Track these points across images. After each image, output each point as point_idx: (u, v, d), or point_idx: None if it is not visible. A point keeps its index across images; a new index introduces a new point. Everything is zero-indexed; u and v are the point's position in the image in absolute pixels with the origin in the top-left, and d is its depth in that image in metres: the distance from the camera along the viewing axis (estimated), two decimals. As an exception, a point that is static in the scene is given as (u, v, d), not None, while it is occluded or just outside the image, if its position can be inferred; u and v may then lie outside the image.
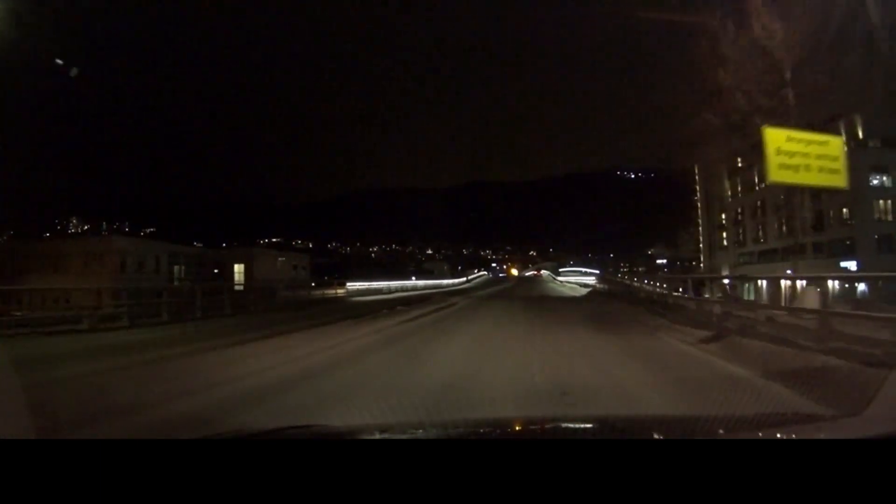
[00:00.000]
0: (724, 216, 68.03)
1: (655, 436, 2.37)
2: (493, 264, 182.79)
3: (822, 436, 2.16)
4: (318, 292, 33.20)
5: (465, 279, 76.51)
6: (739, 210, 63.95)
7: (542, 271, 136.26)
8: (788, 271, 52.49)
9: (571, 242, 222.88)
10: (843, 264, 47.91)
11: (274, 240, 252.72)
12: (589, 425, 2.91)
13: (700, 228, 73.91)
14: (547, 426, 2.87)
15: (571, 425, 3.04)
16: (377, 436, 2.48)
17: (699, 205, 73.87)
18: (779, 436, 2.16)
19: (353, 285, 36.52)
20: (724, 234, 67.58)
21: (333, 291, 33.73)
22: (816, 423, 2.60)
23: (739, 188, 65.82)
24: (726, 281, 64.06)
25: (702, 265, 73.36)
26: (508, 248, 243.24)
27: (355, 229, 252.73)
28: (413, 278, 63.75)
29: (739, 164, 69.70)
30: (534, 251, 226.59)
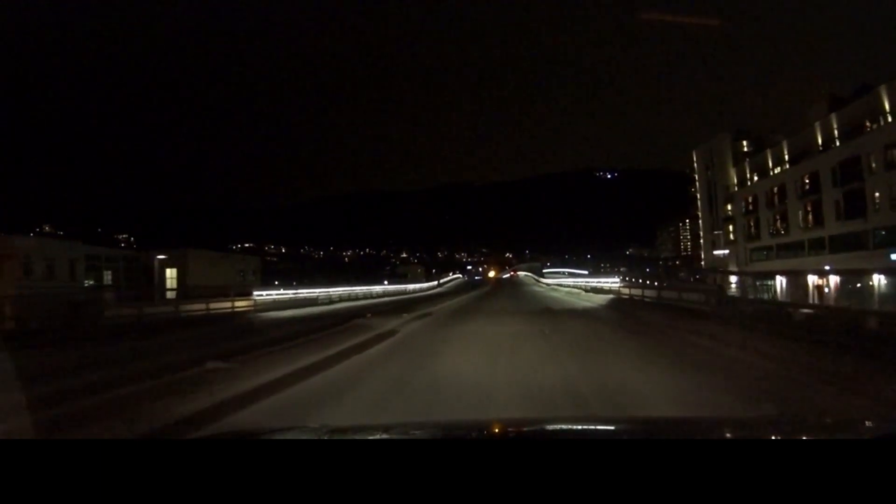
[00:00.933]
0: (730, 207, 57.54)
1: (657, 437, 2.23)
2: (469, 267, 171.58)
3: (823, 436, 2.06)
4: (198, 306, 21.33)
5: (436, 283, 65.51)
6: (750, 199, 53.51)
7: (519, 273, 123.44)
8: (827, 266, 42.20)
9: (547, 244, 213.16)
10: (894, 256, 37.44)
11: (247, 244, 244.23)
12: (593, 426, 2.77)
13: (700, 222, 63.37)
14: (544, 427, 2.72)
15: (572, 426, 2.82)
16: (379, 436, 2.32)
17: (698, 196, 63.60)
18: (780, 437, 2.08)
19: (265, 295, 24.82)
20: (732, 228, 57.08)
21: (229, 305, 22.13)
22: (818, 424, 2.47)
23: (749, 174, 55.39)
24: (734, 279, 52.75)
25: (703, 263, 62.91)
26: (484, 250, 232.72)
27: (329, 234, 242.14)
28: (385, 282, 57.08)
29: (746, 149, 59.83)
30: (510, 253, 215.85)
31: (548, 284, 58.98)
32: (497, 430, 2.55)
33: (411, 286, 52.47)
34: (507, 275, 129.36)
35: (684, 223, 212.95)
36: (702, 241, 62.43)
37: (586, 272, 76.08)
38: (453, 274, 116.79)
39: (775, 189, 49.84)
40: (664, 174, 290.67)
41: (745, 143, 59.17)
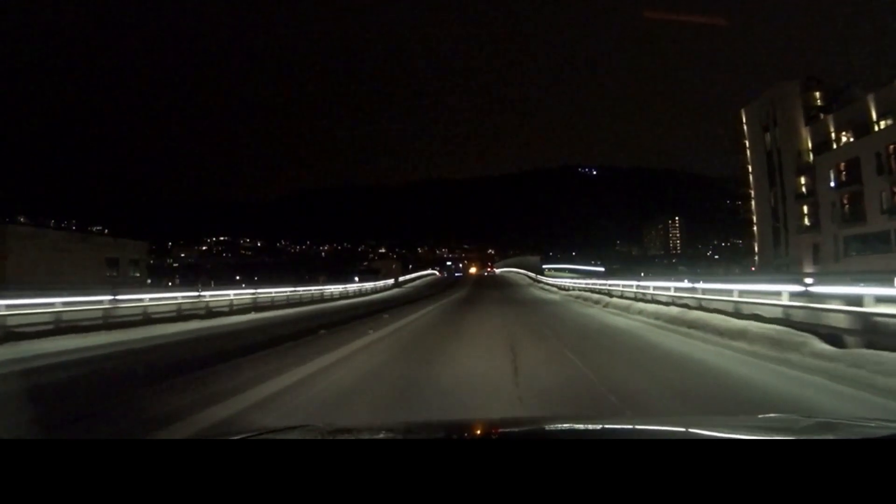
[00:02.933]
0: (803, 181, 39.43)
1: (655, 437, 2.04)
2: (449, 263, 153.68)
3: (821, 436, 1.90)
4: None
5: (391, 282, 46.42)
6: (843, 167, 35.35)
7: (496, 269, 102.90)
8: None
9: (531, 241, 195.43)
10: None
11: (222, 238, 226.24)
12: (597, 426, 2.49)
13: (752, 204, 45.03)
14: (546, 427, 2.46)
15: (573, 426, 2.49)
16: (382, 435, 2.24)
17: (749, 168, 45.23)
18: (778, 436, 1.90)
19: None
20: (807, 209, 39.00)
21: None
22: (817, 423, 2.22)
23: (835, 133, 37.17)
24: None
25: (756, 257, 44.75)
26: (466, 246, 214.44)
27: (309, 228, 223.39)
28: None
29: (819, 103, 41.90)
30: (492, 250, 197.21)
31: (561, 289, 32.65)
32: (501, 430, 2.37)
33: (337, 289, 32.95)
34: (486, 271, 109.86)
35: (673, 220, 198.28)
36: (755, 228, 44.18)
37: (602, 269, 56.46)
38: (431, 269, 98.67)
39: (892, 147, 31.92)
40: (647, 172, 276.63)
41: (817, 94, 41.11)
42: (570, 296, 27.33)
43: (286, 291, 25.23)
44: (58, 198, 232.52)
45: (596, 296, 22.68)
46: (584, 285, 27.76)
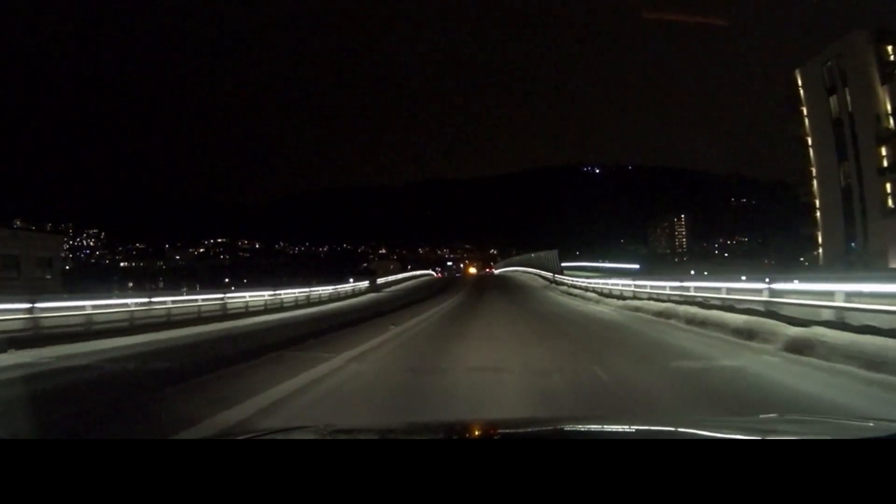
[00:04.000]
0: (884, 152, 31.11)
1: (659, 437, 2.01)
2: (450, 263, 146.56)
3: (821, 436, 1.88)
4: None
5: (365, 285, 37.82)
6: (945, 130, 27.03)
7: (496, 270, 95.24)
8: None
9: (534, 240, 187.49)
10: None
11: (220, 239, 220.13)
12: (600, 427, 2.43)
13: (814, 184, 36.61)
14: (549, 428, 2.41)
15: (577, 427, 2.44)
16: (382, 436, 2.21)
17: (809, 139, 36.88)
18: (777, 437, 1.87)
19: None
20: (889, 188, 30.72)
21: None
22: (818, 423, 2.28)
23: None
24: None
25: (820, 251, 36.34)
26: (467, 246, 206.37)
27: (307, 229, 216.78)
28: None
29: (892, 58, 33.65)
30: (495, 250, 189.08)
31: (603, 294, 21.39)
32: (502, 431, 2.31)
33: (262, 297, 22.67)
34: (486, 270, 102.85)
35: (679, 218, 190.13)
36: (818, 214, 35.76)
37: (636, 266, 48.09)
38: (430, 269, 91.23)
39: None
40: (652, 170, 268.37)
41: (889, 48, 32.86)
42: (640, 311, 15.32)
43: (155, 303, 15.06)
44: (55, 200, 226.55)
45: (709, 313, 11.02)
46: (666, 291, 15.36)
